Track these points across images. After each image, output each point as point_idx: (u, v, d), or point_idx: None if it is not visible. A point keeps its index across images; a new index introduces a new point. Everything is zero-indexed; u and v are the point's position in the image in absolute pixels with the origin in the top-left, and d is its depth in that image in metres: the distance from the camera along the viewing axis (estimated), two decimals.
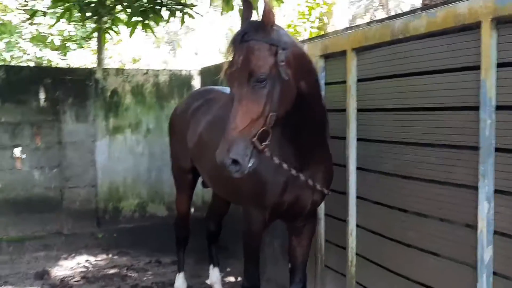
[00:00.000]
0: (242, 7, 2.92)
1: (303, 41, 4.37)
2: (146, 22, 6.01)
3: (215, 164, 2.55)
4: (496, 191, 2.53)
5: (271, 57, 2.56)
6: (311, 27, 7.77)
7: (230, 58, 2.65)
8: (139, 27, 6.11)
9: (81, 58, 13.44)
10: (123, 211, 6.78)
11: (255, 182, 3.17)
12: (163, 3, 5.95)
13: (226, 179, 3.10)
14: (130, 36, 6.31)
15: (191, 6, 6.03)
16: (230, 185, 3.51)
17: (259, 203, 3.27)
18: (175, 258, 4.97)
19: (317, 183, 3.17)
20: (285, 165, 2.99)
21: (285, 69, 2.58)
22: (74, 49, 13.08)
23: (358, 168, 3.68)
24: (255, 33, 2.58)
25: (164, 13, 6.07)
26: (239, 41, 2.59)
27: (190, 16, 6.07)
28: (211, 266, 4.91)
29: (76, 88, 6.24)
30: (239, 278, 5.17)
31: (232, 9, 5.92)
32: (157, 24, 6.24)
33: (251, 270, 3.51)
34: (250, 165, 2.50)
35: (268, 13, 2.58)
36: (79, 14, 6.04)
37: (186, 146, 4.26)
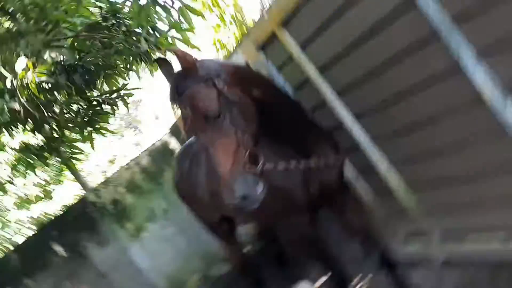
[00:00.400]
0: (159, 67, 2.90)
1: (237, 46, 4.36)
2: (97, 127, 6.01)
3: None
4: None
5: (212, 91, 2.52)
6: (233, 33, 7.82)
7: (179, 115, 2.64)
8: (95, 135, 6.11)
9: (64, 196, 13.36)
10: None
11: (279, 198, 3.11)
12: (101, 101, 5.95)
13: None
14: (93, 147, 6.32)
15: (125, 88, 6.03)
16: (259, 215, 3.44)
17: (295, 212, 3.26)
18: None
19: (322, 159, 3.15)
20: (291, 162, 2.96)
21: (230, 92, 2.56)
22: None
23: None
24: (185, 81, 2.55)
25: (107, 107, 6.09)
26: (177, 96, 2.58)
27: (130, 95, 6.07)
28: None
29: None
30: None
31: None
32: (107, 122, 6.25)
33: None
34: (260, 189, 2.46)
35: (183, 59, 2.55)
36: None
37: (203, 204, 4.20)
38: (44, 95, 5.04)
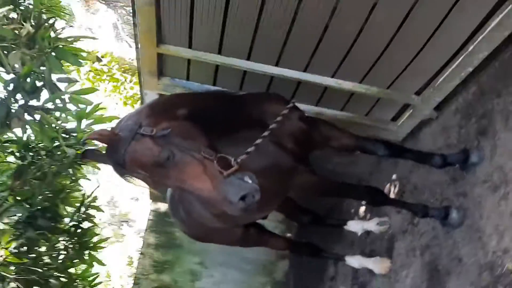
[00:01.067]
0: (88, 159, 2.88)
1: (141, 89, 4.31)
2: (91, 245, 5.90)
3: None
4: None
5: (145, 140, 2.47)
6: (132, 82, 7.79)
7: (135, 183, 2.62)
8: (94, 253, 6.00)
9: None
10: None
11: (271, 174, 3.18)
12: (77, 224, 5.84)
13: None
14: (102, 264, 6.24)
15: (85, 198, 5.92)
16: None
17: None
18: None
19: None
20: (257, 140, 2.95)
21: (160, 129, 2.52)
22: None
23: None
24: (117, 152, 2.50)
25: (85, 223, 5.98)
26: (121, 168, 2.54)
27: (95, 199, 5.97)
28: (348, 223, 4.82)
29: None
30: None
31: None
32: (95, 234, 6.14)
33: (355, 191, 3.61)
34: (249, 179, 2.44)
35: (101, 137, 2.51)
36: None
37: (220, 230, 4.15)
38: (25, 258, 4.91)
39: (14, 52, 3.59)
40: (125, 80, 8.01)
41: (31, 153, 5.45)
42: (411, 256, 4.06)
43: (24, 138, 5.41)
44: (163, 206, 7.32)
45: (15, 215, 5.20)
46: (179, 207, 4.11)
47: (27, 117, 4.19)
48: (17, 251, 4.85)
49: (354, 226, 4.74)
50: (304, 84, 3.92)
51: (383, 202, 3.68)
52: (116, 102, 7.81)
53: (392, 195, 4.69)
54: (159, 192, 2.80)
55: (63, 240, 5.64)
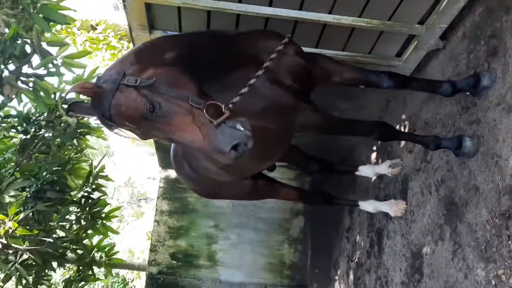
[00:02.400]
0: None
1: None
2: (103, 215, 5.85)
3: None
4: None
5: (129, 91, 2.33)
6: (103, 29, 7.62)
7: (124, 135, 2.50)
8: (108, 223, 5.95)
9: None
10: None
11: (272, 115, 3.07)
12: (86, 194, 5.80)
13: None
14: (115, 232, 6.24)
15: (93, 167, 5.84)
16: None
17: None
18: None
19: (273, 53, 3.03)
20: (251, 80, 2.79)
21: (145, 78, 2.37)
22: None
23: None
24: (101, 104, 2.36)
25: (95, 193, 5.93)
26: (108, 121, 2.39)
27: (103, 169, 5.90)
28: (360, 168, 4.68)
29: None
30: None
31: None
32: (106, 204, 6.09)
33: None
34: (242, 126, 2.32)
35: (83, 90, 2.36)
36: None
37: (227, 184, 4.06)
38: (36, 229, 4.87)
39: None
40: (122, 47, 7.84)
41: (32, 127, 5.37)
42: (426, 193, 3.93)
43: (24, 111, 5.34)
44: (173, 173, 7.24)
45: (22, 188, 5.15)
46: (183, 163, 4.00)
47: (20, 84, 4.08)
48: (26, 223, 4.80)
49: (366, 170, 4.60)
50: (302, 24, 3.73)
51: (392, 136, 3.53)
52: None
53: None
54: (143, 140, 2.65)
55: (74, 212, 5.60)
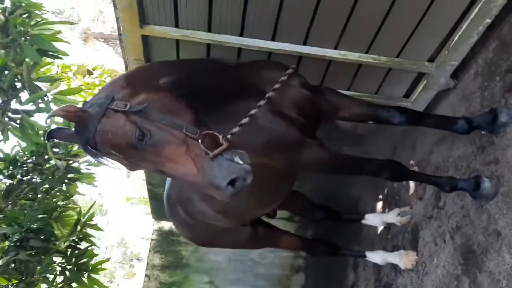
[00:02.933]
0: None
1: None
2: (90, 268, 5.48)
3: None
4: None
5: (117, 117, 2.12)
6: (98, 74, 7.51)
7: (110, 165, 2.26)
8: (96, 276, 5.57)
9: None
10: None
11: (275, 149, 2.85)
12: (72, 244, 5.45)
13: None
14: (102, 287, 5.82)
15: (81, 215, 5.52)
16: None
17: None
18: None
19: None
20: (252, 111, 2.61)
21: (135, 103, 2.16)
22: None
23: None
24: (86, 131, 2.13)
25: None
26: (93, 150, 2.17)
27: (92, 216, 5.58)
28: (366, 217, 4.39)
29: None
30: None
31: None
32: (94, 255, 5.73)
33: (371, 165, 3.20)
34: (240, 162, 2.09)
35: (66, 114, 2.14)
36: None
37: (223, 230, 3.76)
38: (15, 279, 4.50)
39: None
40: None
41: (19, 171, 5.12)
42: (440, 242, 3.62)
43: (12, 153, 5.10)
44: (166, 225, 6.92)
45: (4, 235, 4.82)
46: (177, 207, 3.71)
47: (7, 120, 3.86)
48: (5, 271, 4.44)
49: (373, 219, 4.32)
50: (306, 59, 3.57)
51: (404, 176, 3.27)
52: None
53: (412, 184, 4.29)
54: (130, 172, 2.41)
55: (59, 263, 5.23)
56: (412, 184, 4.27)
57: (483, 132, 3.21)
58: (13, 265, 4.80)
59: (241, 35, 3.44)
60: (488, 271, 2.96)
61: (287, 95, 2.91)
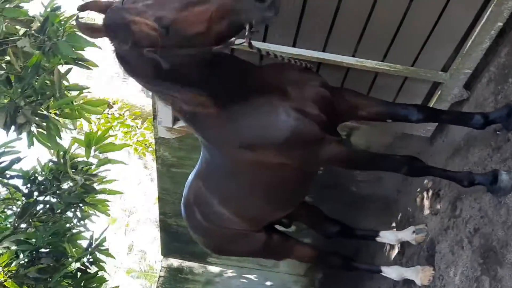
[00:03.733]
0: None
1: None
2: None
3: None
4: None
5: None
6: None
7: None
8: None
9: None
10: None
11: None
12: (83, 268, 5.40)
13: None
14: None
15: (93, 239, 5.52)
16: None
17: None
18: None
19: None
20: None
21: None
22: None
23: None
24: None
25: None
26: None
27: (103, 241, 5.56)
28: (381, 234, 4.33)
29: None
30: None
31: None
32: (104, 281, 5.65)
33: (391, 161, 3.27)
34: None
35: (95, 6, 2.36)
36: None
37: (237, 235, 3.77)
38: None
39: (23, 38, 3.47)
40: (136, 126, 7.90)
41: (37, 188, 5.18)
42: (457, 250, 3.60)
43: (31, 170, 5.19)
44: (175, 262, 6.84)
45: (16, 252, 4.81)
46: (194, 209, 3.75)
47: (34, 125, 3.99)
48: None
49: (388, 236, 4.29)
50: (325, 66, 3.73)
51: (422, 171, 3.31)
52: (127, 150, 7.66)
53: (427, 202, 4.31)
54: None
55: (68, 282, 5.16)
56: (426, 202, 4.30)
57: (498, 132, 3.30)
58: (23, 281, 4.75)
59: (263, 41, 3.63)
60: (510, 263, 2.94)
61: (309, 93, 3.04)
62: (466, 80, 3.69)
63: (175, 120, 4.44)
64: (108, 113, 7.54)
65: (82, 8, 2.48)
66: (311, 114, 2.99)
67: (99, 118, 6.96)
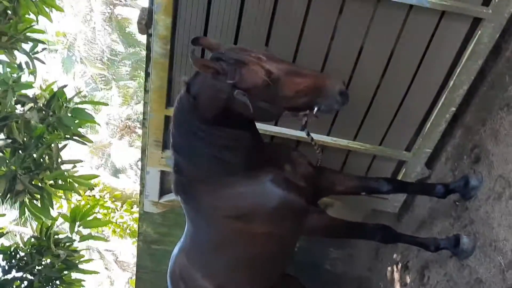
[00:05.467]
0: None
1: (144, 166, 4.45)
2: None
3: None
4: None
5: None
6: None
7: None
8: None
9: None
10: None
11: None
12: None
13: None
14: None
15: None
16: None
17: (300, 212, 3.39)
18: None
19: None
20: None
21: None
22: None
23: None
24: None
25: None
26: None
27: None
28: None
29: None
30: None
31: None
32: None
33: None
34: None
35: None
36: None
37: None
38: None
39: (31, 108, 3.80)
40: (116, 208, 8.01)
41: (16, 264, 5.23)
42: None
43: (12, 245, 5.25)
44: None
45: None
46: (180, 283, 3.83)
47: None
48: None
49: None
50: (304, 144, 4.14)
51: (394, 237, 3.64)
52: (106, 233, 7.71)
53: (397, 275, 4.60)
54: None
55: None
56: (396, 275, 4.59)
57: (457, 203, 3.73)
58: None
59: None
60: None
61: (298, 168, 3.47)
62: (427, 159, 4.14)
63: (161, 194, 4.72)
64: (89, 196, 7.73)
65: (195, 42, 2.94)
66: (300, 186, 3.37)
67: (79, 200, 7.15)
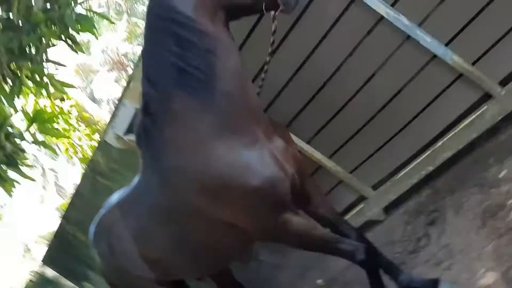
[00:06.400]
0: None
1: (122, 98, 4.37)
2: None
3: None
4: None
5: None
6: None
7: None
8: None
9: None
10: None
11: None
12: None
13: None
14: None
15: None
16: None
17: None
18: None
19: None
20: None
21: None
22: None
23: None
24: None
25: None
26: None
27: None
28: None
29: None
30: None
31: None
32: None
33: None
34: None
35: None
36: None
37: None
38: None
39: None
40: (78, 127, 7.80)
41: None
42: None
43: None
44: (51, 273, 6.57)
45: None
46: (103, 237, 3.34)
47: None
48: None
49: None
50: None
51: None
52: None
53: None
54: None
55: None
56: None
57: None
58: None
59: None
60: None
61: (291, 150, 2.93)
62: (388, 204, 4.16)
63: (127, 132, 4.64)
64: (57, 106, 7.53)
65: None
66: (290, 172, 2.77)
67: (46, 106, 6.92)
